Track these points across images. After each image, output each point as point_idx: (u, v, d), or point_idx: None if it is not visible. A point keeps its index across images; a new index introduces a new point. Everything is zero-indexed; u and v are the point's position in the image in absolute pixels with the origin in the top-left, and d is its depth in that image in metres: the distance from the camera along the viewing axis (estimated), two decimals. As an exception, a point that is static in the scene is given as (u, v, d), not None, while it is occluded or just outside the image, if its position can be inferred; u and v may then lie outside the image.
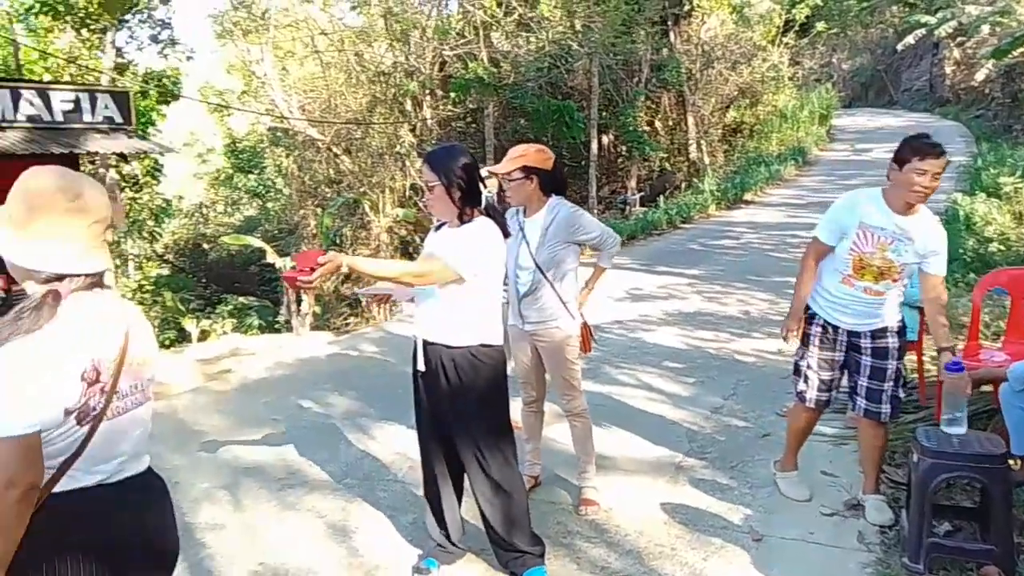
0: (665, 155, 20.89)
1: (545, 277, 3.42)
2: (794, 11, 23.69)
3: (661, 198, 17.32)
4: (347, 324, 12.78)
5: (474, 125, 17.79)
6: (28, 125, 7.30)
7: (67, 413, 1.58)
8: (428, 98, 15.33)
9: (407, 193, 15.39)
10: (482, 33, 14.49)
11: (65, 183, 1.68)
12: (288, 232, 17.48)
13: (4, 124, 7.16)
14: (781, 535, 3.34)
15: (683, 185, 19.42)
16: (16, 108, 7.25)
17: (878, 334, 3.31)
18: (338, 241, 14.12)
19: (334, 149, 15.13)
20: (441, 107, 15.95)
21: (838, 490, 3.73)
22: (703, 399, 5.13)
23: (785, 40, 23.99)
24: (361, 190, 14.55)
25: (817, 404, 3.51)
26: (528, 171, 3.37)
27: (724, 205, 16.64)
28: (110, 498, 1.70)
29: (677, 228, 14.58)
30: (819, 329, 3.42)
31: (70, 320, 1.62)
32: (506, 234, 2.94)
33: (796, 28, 24.12)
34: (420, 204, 14.67)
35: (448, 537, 3.11)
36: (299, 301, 12.94)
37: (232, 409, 5.56)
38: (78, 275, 1.66)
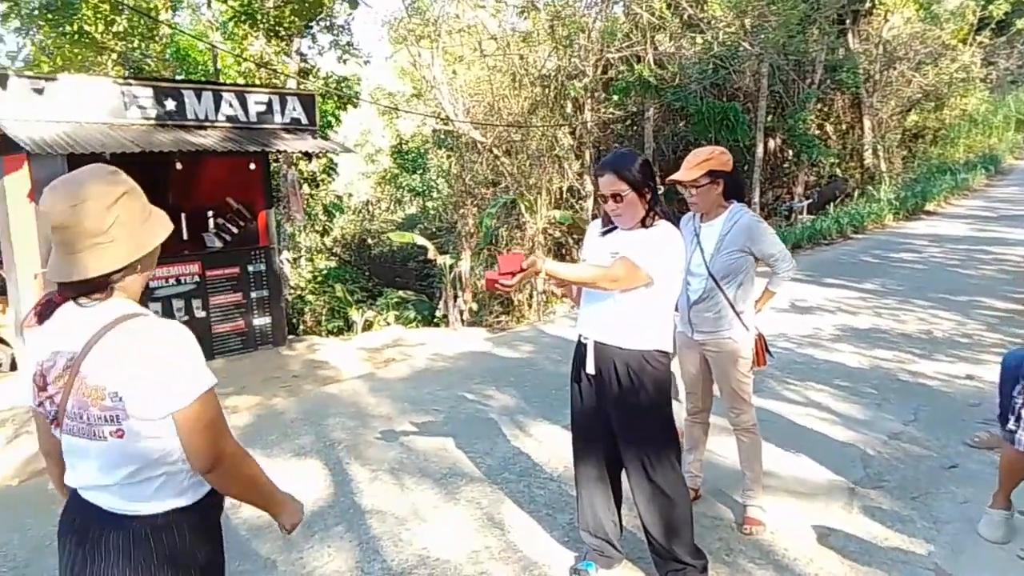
0: (836, 160, 19.71)
1: (718, 285, 3.30)
2: (990, 7, 21.65)
3: (831, 206, 16.40)
4: (499, 322, 13.02)
5: (633, 128, 17.59)
6: (227, 125, 7.97)
7: (34, 406, 1.69)
8: (589, 100, 15.32)
9: (563, 195, 15.46)
10: (648, 35, 14.29)
11: (47, 186, 1.62)
12: (447, 230, 18.03)
13: (207, 124, 7.85)
14: (971, 577, 3.06)
15: (855, 193, 18.25)
16: (217, 109, 7.94)
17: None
18: (494, 241, 14.38)
19: (495, 151, 15.45)
20: (602, 109, 15.90)
21: (1040, 535, 3.36)
22: (880, 423, 4.79)
23: (979, 39, 22.01)
24: (519, 191, 14.76)
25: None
26: (714, 175, 3.25)
27: (902, 215, 15.56)
28: (78, 505, 1.70)
29: (848, 238, 13.75)
30: None
31: (47, 328, 1.65)
32: None
33: (992, 25, 22.04)
34: (576, 207, 14.70)
35: (607, 540, 3.07)
36: (456, 297, 13.32)
37: (397, 397, 5.82)
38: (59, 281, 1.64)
